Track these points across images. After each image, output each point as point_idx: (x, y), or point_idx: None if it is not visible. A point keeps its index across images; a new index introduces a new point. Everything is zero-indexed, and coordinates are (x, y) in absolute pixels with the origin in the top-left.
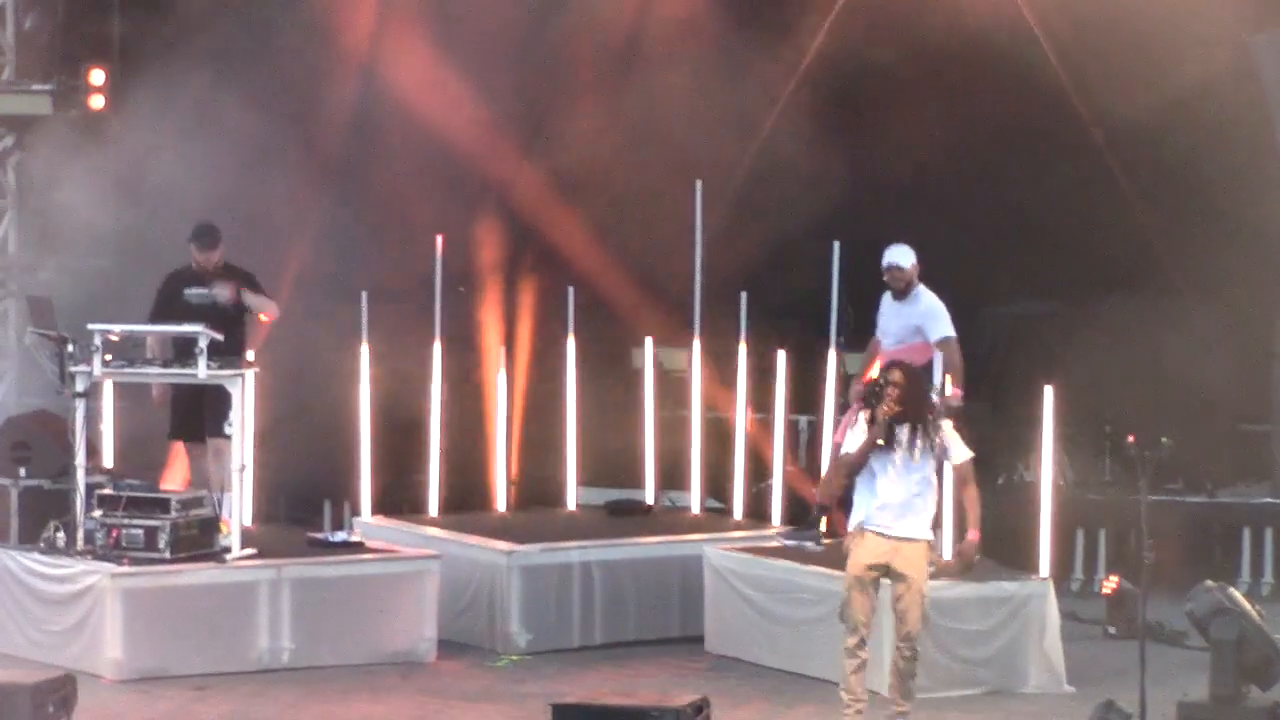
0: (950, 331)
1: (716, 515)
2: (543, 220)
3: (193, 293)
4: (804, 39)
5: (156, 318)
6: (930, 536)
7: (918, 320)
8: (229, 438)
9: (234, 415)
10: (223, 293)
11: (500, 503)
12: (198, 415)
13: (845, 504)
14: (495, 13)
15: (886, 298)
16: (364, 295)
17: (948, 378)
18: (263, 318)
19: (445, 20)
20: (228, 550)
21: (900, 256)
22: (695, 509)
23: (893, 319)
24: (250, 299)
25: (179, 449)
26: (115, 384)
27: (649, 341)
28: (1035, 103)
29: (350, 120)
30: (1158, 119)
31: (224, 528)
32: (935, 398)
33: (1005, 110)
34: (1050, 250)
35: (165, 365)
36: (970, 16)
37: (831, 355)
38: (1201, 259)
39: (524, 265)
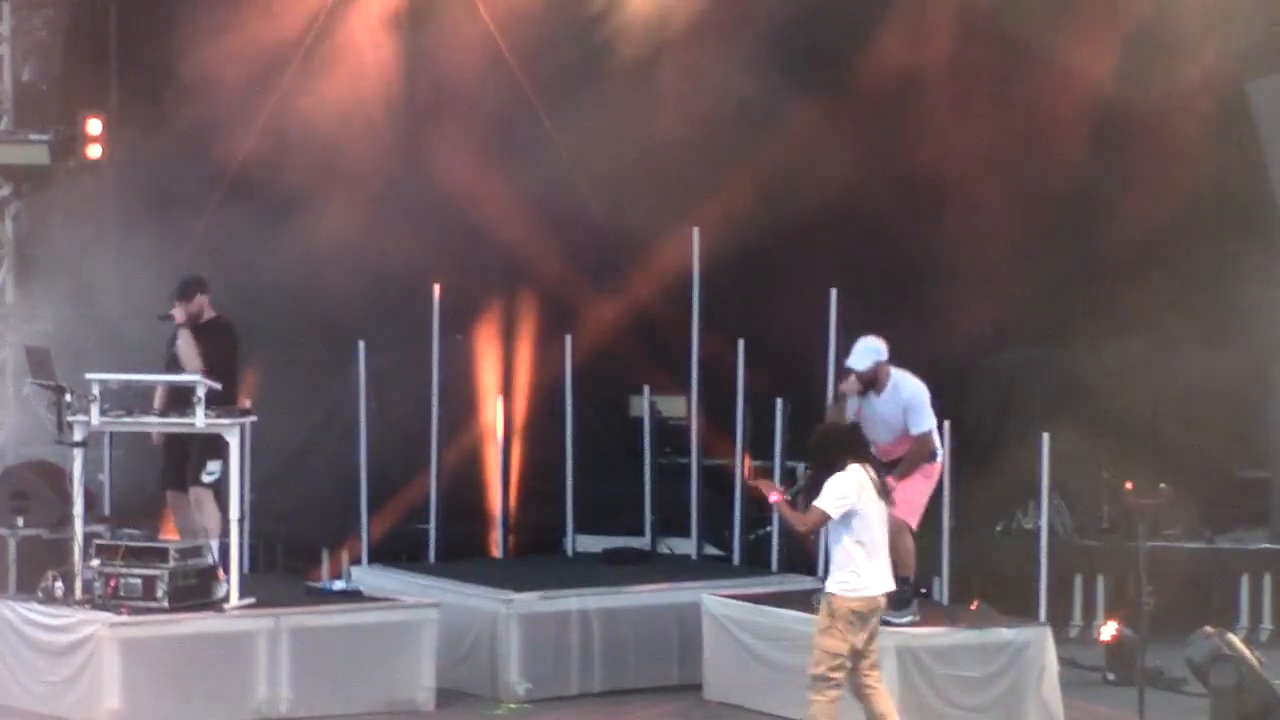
0: (930, 424)
1: (715, 563)
2: (540, 268)
3: (177, 344)
4: (804, 82)
5: (165, 372)
6: (828, 588)
7: (902, 411)
8: (208, 486)
9: (232, 465)
10: (178, 314)
11: (499, 550)
12: (180, 464)
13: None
14: (486, 61)
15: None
16: (361, 344)
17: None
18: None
19: (437, 69)
20: (226, 599)
21: (855, 360)
22: (694, 556)
23: (876, 411)
24: (184, 340)
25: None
26: (113, 433)
27: (647, 389)
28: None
29: (345, 168)
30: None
31: (219, 576)
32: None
33: (1008, 146)
34: (1050, 296)
35: (162, 414)
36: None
37: (830, 402)
38: (1202, 304)
39: (521, 313)
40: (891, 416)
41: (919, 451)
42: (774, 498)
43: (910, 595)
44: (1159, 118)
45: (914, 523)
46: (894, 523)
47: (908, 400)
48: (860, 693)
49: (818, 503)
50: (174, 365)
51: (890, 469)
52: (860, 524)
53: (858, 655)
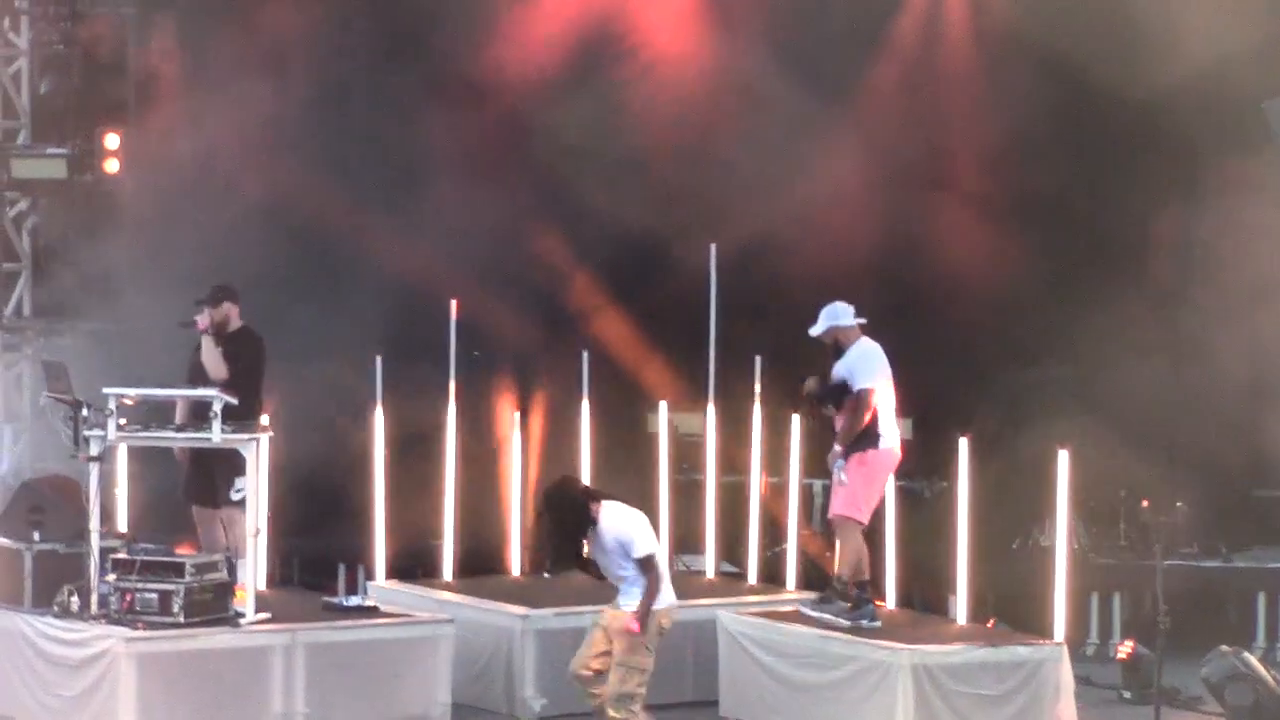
0: (867, 384)
1: (731, 579)
2: (557, 283)
3: (201, 353)
4: (822, 100)
5: (188, 385)
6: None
7: (847, 371)
8: (238, 504)
9: (248, 479)
10: (200, 319)
11: (515, 566)
12: (207, 480)
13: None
14: (508, 82)
15: None
16: (378, 359)
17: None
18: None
19: (458, 87)
20: (242, 615)
21: (818, 324)
22: (710, 573)
23: (837, 372)
24: (209, 346)
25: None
26: (130, 448)
27: (663, 405)
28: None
29: (363, 183)
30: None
31: (239, 594)
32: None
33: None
34: (1065, 312)
35: (179, 429)
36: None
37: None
38: (1221, 324)
39: (538, 329)
40: (840, 379)
41: (853, 409)
42: (634, 628)
43: (836, 594)
44: (1181, 132)
45: (861, 516)
46: (836, 518)
47: (850, 361)
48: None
49: (646, 551)
50: (198, 376)
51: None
52: None
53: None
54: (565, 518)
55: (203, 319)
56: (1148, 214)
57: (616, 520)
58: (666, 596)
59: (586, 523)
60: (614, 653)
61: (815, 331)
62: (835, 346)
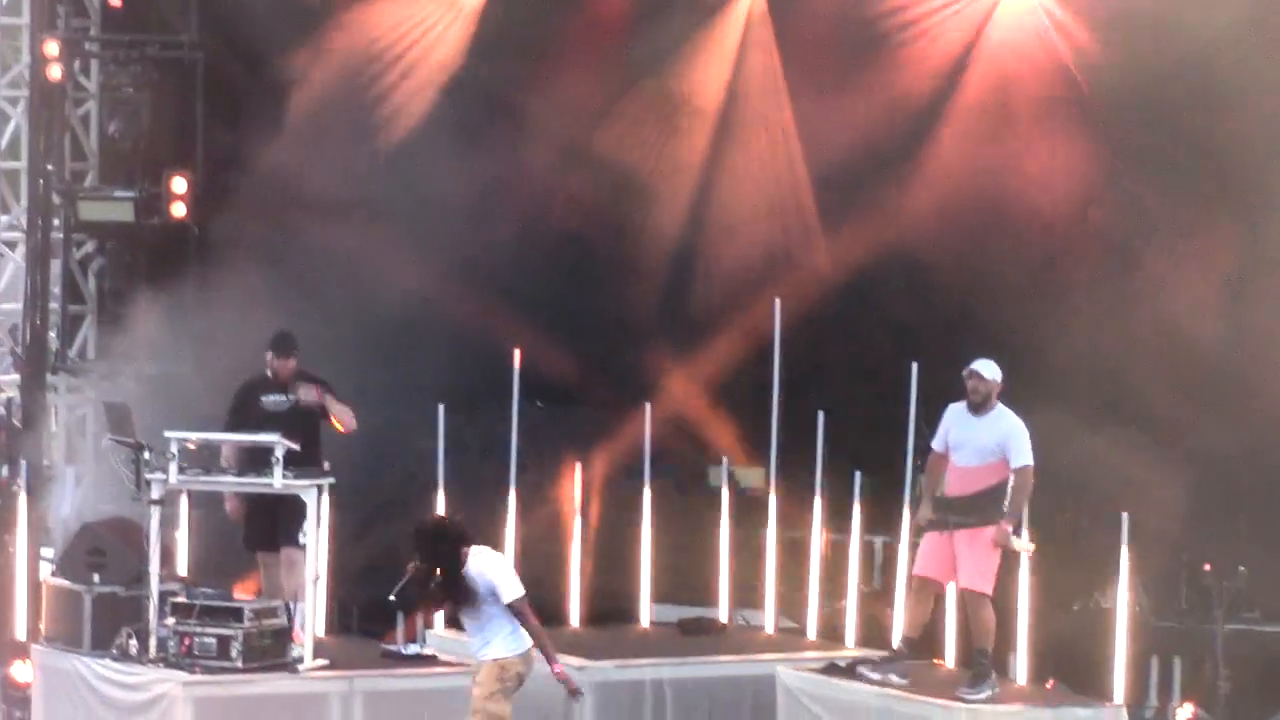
0: (1031, 459)
1: (790, 635)
2: (620, 336)
3: (270, 399)
4: (884, 154)
5: (231, 426)
6: (495, 654)
7: (1001, 439)
8: (303, 547)
9: (309, 525)
10: (307, 395)
11: (574, 617)
12: (271, 524)
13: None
14: (563, 128)
15: (958, 411)
16: (440, 407)
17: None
18: (339, 427)
19: (516, 141)
20: (300, 661)
21: (983, 366)
22: (769, 628)
23: (971, 434)
24: (334, 404)
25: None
26: (190, 492)
27: (725, 460)
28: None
29: (429, 235)
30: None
31: (295, 639)
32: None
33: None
34: (1129, 378)
35: (240, 474)
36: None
37: (909, 476)
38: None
39: (600, 381)
40: (985, 442)
41: (1023, 486)
42: (566, 676)
43: (988, 669)
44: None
45: (989, 589)
46: (970, 594)
47: (1009, 430)
48: None
49: (516, 594)
50: (263, 422)
51: (958, 510)
52: None
53: None
54: (436, 559)
55: (310, 393)
56: (1215, 272)
57: (485, 565)
58: (523, 642)
59: (456, 566)
60: (472, 697)
61: (992, 376)
62: (980, 400)
